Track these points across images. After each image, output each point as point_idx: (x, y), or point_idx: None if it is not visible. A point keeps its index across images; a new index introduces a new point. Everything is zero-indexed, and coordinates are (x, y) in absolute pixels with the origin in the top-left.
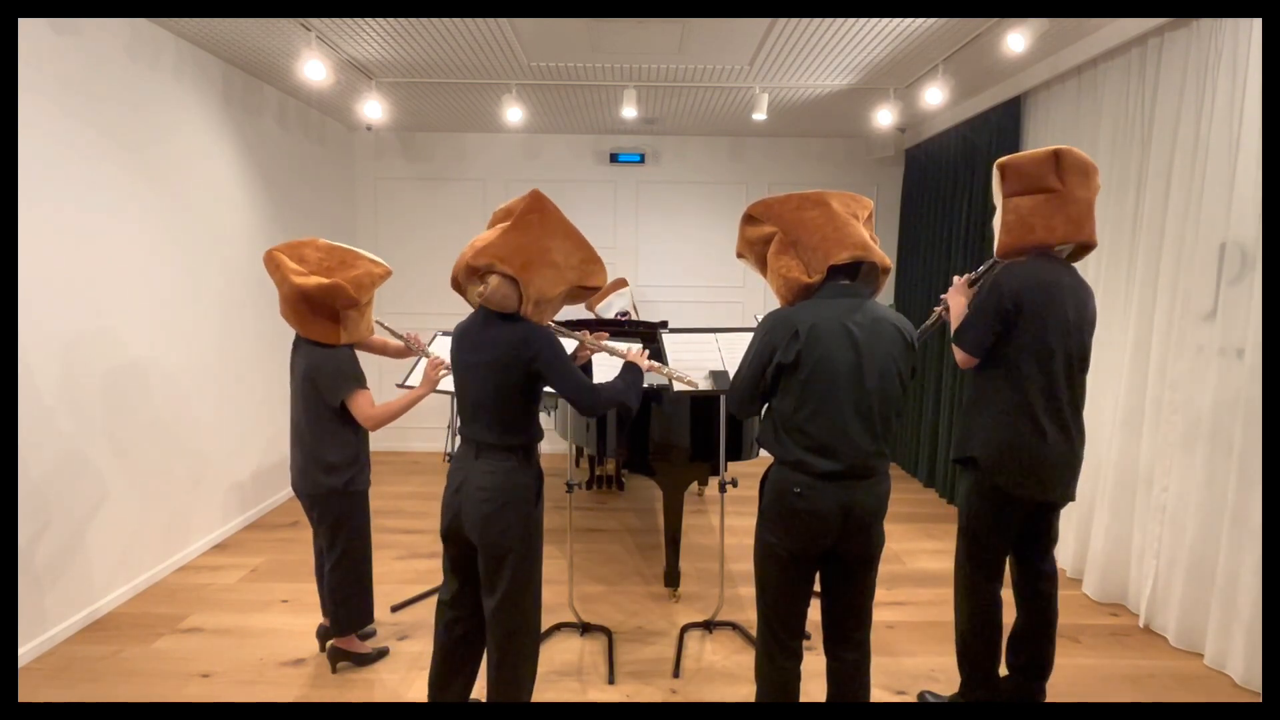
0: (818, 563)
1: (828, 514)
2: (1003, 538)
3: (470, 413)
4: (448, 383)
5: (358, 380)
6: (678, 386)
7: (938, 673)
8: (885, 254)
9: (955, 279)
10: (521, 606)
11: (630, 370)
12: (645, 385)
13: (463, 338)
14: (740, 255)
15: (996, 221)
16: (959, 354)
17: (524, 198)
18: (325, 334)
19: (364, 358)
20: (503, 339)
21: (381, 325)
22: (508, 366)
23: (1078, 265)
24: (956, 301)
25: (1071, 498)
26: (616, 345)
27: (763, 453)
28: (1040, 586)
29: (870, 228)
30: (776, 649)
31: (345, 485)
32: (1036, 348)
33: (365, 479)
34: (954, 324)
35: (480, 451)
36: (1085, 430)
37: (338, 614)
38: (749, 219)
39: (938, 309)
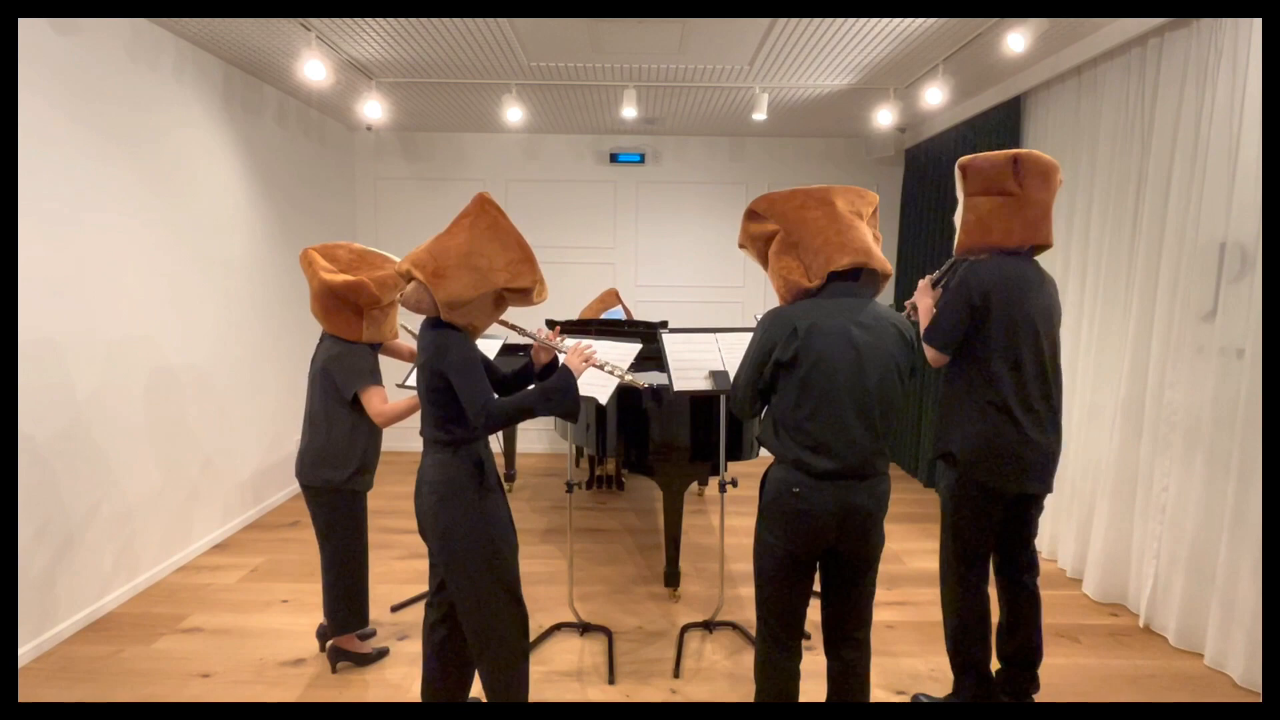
0: (817, 562)
1: (826, 514)
2: (986, 532)
3: (421, 412)
4: None
5: (373, 376)
6: (622, 374)
7: (937, 673)
8: (886, 257)
9: (920, 282)
10: (485, 601)
11: (559, 373)
12: (646, 385)
13: (418, 344)
14: (742, 246)
15: (958, 218)
16: (930, 352)
17: (470, 201)
18: (348, 330)
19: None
20: (427, 344)
21: (405, 329)
22: (431, 372)
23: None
24: (923, 303)
25: (1048, 489)
26: (561, 344)
27: (763, 452)
28: (1022, 578)
29: (874, 224)
30: (775, 648)
31: (343, 482)
32: (1007, 342)
33: (366, 481)
34: (922, 326)
35: (425, 449)
36: (1062, 424)
37: (332, 614)
38: (752, 214)
39: (905, 312)
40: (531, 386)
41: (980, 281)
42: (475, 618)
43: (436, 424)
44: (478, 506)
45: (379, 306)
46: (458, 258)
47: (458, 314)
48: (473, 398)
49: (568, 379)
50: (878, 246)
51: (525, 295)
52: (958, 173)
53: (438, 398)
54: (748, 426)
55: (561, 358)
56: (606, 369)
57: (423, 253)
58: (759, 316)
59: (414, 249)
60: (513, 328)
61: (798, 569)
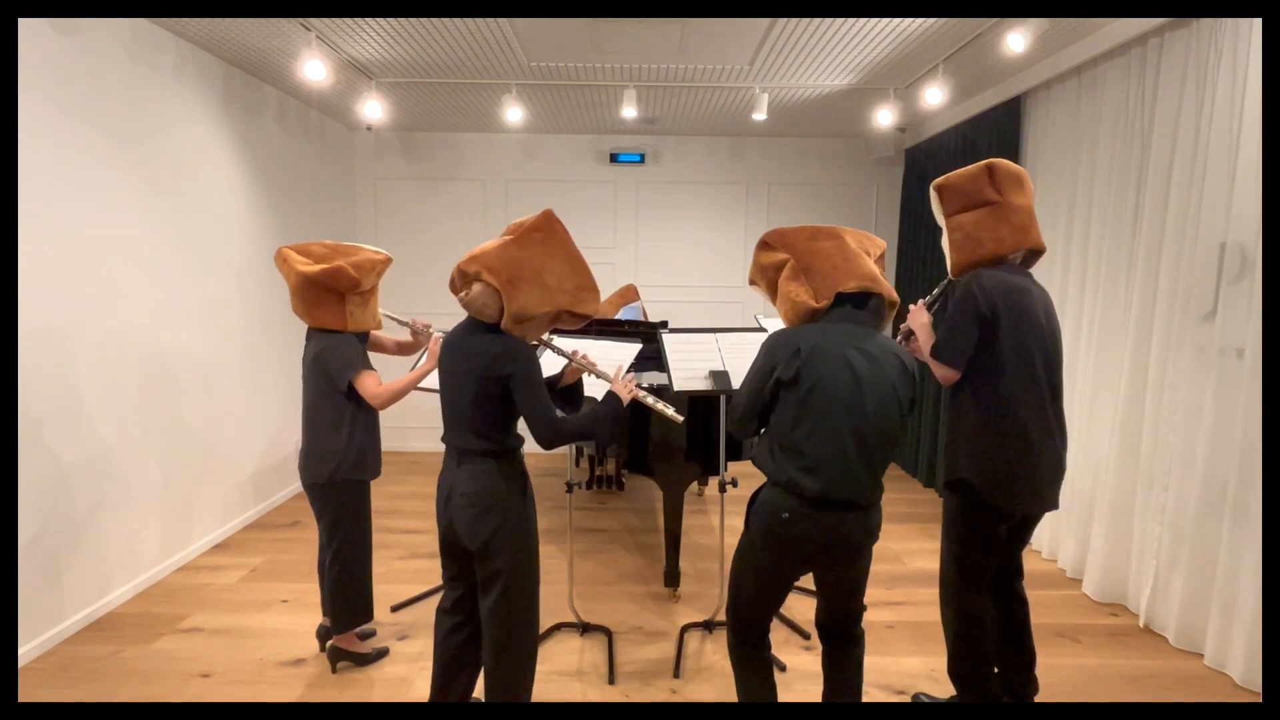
0: (796, 578)
1: (814, 542)
2: (994, 552)
3: (452, 419)
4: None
5: (364, 362)
6: (663, 408)
7: (937, 673)
8: (888, 261)
9: (911, 306)
10: (517, 606)
11: (608, 400)
12: (646, 385)
13: (451, 347)
14: (753, 282)
15: (944, 242)
16: (941, 370)
17: (536, 215)
18: (332, 320)
19: (372, 357)
20: (483, 350)
21: (389, 316)
22: (485, 378)
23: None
24: (919, 321)
25: (1056, 506)
26: (605, 370)
27: None
28: (1013, 585)
29: (881, 266)
30: (741, 653)
31: (344, 473)
32: (1017, 353)
33: (366, 469)
34: (924, 345)
35: (462, 458)
36: (1067, 431)
37: (336, 609)
38: (763, 245)
39: (900, 337)
40: (581, 411)
41: (987, 293)
42: (505, 623)
43: (480, 433)
44: (521, 516)
45: (359, 290)
46: (530, 271)
47: (520, 326)
48: (543, 413)
49: (617, 407)
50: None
51: (582, 320)
52: (934, 195)
53: (489, 405)
54: None
55: (589, 380)
56: (647, 401)
57: (494, 258)
58: (759, 317)
59: (480, 249)
60: (549, 346)
61: (776, 586)
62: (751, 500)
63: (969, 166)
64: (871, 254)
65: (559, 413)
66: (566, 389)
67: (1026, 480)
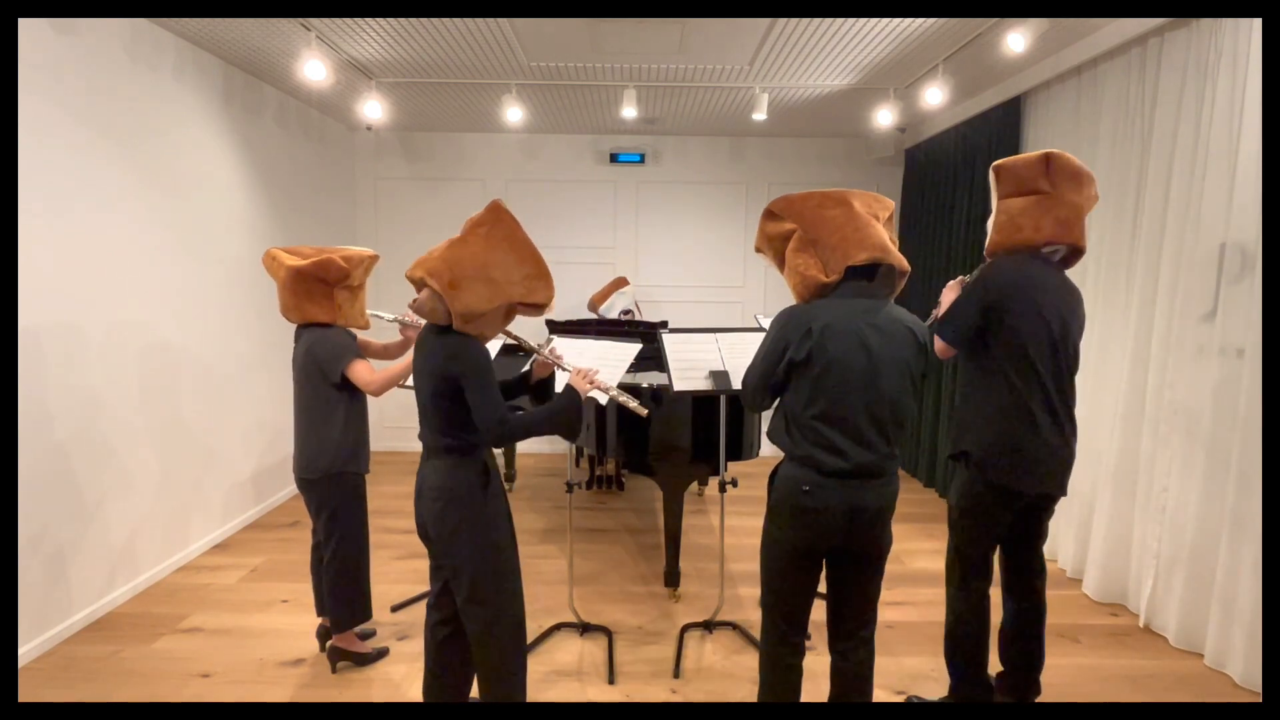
0: (824, 559)
1: (835, 512)
2: (995, 533)
3: (420, 416)
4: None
5: (356, 351)
6: (625, 400)
7: (937, 672)
8: (904, 257)
9: (950, 282)
10: (489, 602)
11: (565, 393)
12: (646, 385)
13: (417, 346)
14: (759, 250)
15: (990, 223)
16: (939, 343)
17: (483, 210)
18: (321, 313)
19: None
20: (438, 350)
21: (376, 316)
22: (440, 378)
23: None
24: (946, 298)
25: (1063, 492)
26: (567, 363)
27: (764, 452)
28: (1031, 583)
29: (891, 229)
30: (779, 642)
31: (341, 466)
32: (1024, 342)
33: (361, 462)
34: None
35: (429, 454)
36: (1077, 426)
37: (335, 608)
38: (769, 215)
39: (930, 319)
40: (541, 405)
41: (996, 280)
42: (479, 620)
43: (442, 430)
44: (483, 512)
45: (348, 284)
46: (474, 269)
47: (471, 325)
48: (489, 410)
49: (574, 401)
50: (894, 247)
51: (539, 310)
52: (992, 176)
53: (445, 404)
54: (748, 427)
55: (562, 375)
56: (610, 393)
57: (437, 261)
58: (759, 317)
59: (426, 254)
60: (517, 340)
61: (805, 565)
62: (771, 477)
63: (1032, 153)
64: (880, 217)
65: (510, 410)
66: (539, 384)
67: (1026, 458)
